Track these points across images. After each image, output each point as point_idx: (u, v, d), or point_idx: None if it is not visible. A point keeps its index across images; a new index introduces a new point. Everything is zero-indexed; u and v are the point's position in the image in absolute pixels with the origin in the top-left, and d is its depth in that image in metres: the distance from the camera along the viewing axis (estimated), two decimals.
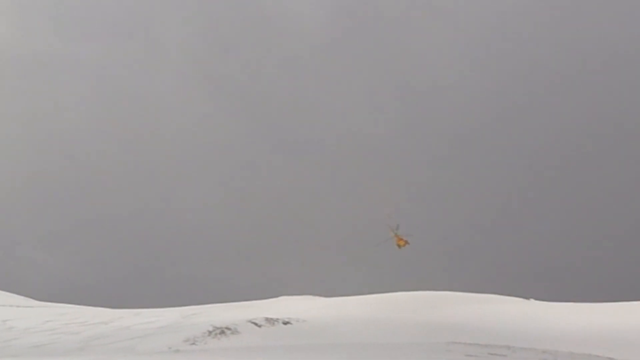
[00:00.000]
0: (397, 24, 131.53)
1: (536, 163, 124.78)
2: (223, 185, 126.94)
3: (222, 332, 34.32)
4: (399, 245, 36.91)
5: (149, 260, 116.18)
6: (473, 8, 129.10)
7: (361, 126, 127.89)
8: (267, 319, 36.83)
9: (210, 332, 34.27)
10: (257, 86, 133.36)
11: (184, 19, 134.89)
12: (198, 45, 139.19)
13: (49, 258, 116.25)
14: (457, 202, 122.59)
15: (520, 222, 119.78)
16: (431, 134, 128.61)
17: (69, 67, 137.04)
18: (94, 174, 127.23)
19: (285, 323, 36.53)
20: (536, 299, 49.64)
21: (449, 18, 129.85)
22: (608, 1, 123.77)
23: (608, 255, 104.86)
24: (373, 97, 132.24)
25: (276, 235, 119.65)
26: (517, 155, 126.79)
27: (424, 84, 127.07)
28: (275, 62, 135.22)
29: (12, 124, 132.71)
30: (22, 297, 66.94)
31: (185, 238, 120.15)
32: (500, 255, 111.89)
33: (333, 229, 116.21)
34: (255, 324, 36.04)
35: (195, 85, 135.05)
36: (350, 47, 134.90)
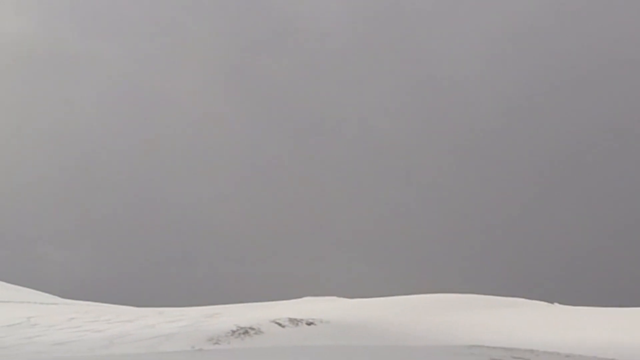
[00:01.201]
0: (417, 22, 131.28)
1: (562, 161, 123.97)
2: (247, 184, 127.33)
3: (246, 332, 34.35)
4: None
5: (171, 257, 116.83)
6: (495, 5, 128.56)
7: (381, 125, 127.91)
8: (290, 320, 36.78)
9: (233, 332, 34.32)
10: (276, 86, 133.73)
11: (205, 18, 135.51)
12: (218, 45, 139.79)
13: (70, 255, 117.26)
14: (480, 201, 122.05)
15: (544, 222, 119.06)
16: (451, 132, 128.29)
17: (90, 65, 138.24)
18: (114, 171, 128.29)
19: (309, 324, 36.45)
20: (560, 302, 49.27)
21: (470, 15, 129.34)
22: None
23: (637, 258, 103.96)
24: (393, 95, 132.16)
25: (300, 235, 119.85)
26: (543, 153, 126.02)
27: (443, 82, 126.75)
28: (293, 60, 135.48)
29: (33, 121, 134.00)
30: (46, 294, 67.52)
31: (208, 236, 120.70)
32: (524, 258, 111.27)
33: (357, 229, 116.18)
34: (279, 324, 36.00)
35: (214, 84, 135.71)
36: (369, 45, 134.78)
